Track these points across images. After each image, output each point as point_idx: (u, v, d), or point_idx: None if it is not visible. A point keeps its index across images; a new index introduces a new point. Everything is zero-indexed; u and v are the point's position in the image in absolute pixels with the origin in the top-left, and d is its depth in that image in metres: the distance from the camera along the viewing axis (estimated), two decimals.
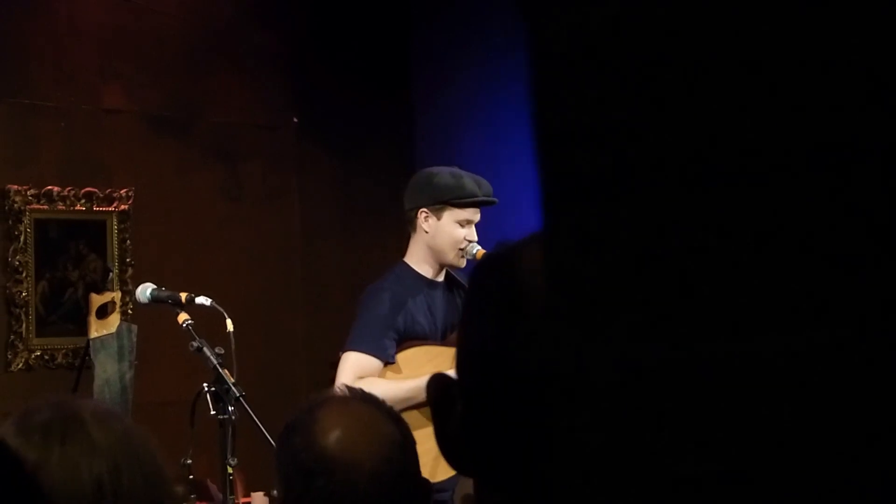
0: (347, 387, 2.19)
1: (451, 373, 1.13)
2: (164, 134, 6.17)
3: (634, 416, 0.46)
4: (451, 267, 4.62)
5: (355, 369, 4.38)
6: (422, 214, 4.56)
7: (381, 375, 4.42)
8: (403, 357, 4.45)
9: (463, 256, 4.57)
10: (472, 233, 4.57)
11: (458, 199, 4.53)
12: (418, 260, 4.60)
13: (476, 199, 4.56)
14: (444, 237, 4.54)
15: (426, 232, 4.57)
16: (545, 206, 0.50)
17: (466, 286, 4.52)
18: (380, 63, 6.82)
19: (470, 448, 1.05)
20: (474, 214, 4.59)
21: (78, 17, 5.94)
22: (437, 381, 1.11)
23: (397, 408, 2.29)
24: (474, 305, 1.08)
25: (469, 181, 4.59)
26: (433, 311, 4.55)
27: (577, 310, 0.48)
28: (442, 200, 4.53)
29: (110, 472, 1.51)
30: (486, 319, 1.04)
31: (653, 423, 0.46)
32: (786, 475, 0.46)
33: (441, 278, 4.62)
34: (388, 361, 4.42)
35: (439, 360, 4.36)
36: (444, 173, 4.64)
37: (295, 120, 6.56)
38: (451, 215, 4.53)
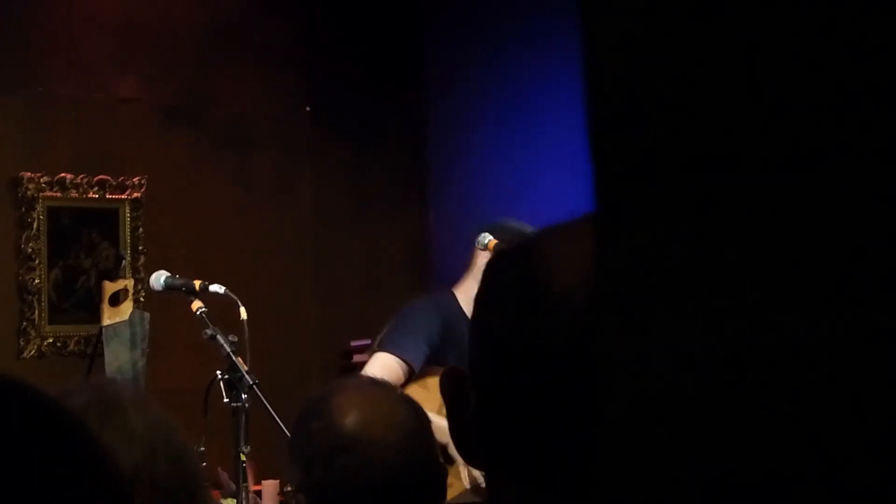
0: (361, 374, 2.19)
1: None
2: (177, 123, 6.17)
3: (698, 405, 0.46)
4: None
5: (382, 370, 4.32)
6: (490, 248, 4.50)
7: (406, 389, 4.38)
8: (431, 381, 4.38)
9: None
10: None
11: None
12: (466, 296, 4.55)
13: None
14: None
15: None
16: (601, 188, 0.50)
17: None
18: (393, 53, 6.82)
19: (485, 440, 1.05)
20: None
21: (92, 7, 5.94)
22: (451, 374, 1.11)
23: None
24: (491, 298, 1.07)
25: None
26: (463, 346, 4.49)
27: (639, 294, 0.47)
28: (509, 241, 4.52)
29: (146, 459, 1.49)
30: (505, 312, 1.03)
31: (719, 412, 0.46)
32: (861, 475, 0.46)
33: None
34: (414, 367, 4.36)
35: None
36: (515, 223, 4.58)
37: (307, 109, 6.55)
38: None
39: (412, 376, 4.39)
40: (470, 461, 1.11)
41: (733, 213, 0.47)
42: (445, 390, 1.10)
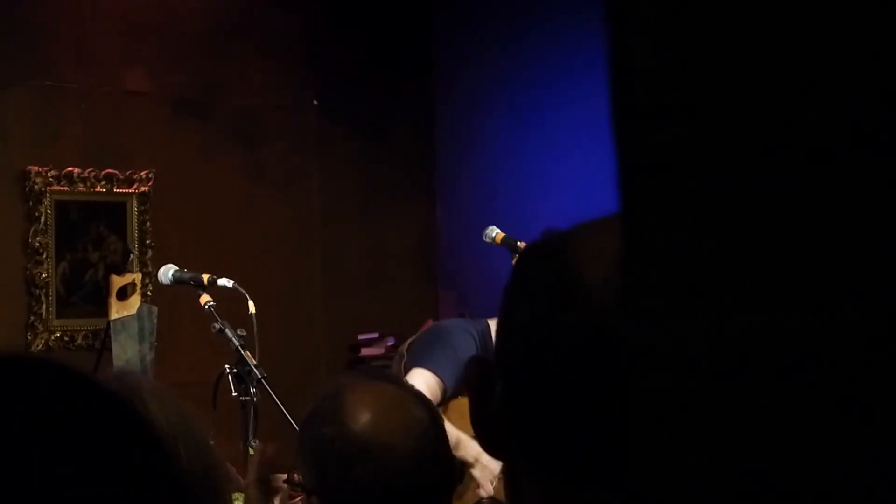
0: (369, 368, 2.16)
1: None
2: (185, 116, 6.17)
3: (736, 395, 0.45)
4: None
5: (423, 386, 4.13)
6: None
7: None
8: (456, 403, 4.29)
9: None
10: None
11: None
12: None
13: None
14: None
15: None
16: (627, 181, 0.49)
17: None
18: (401, 45, 6.81)
19: (508, 432, 1.05)
20: None
21: (100, 0, 5.94)
22: (477, 363, 1.11)
23: None
24: (520, 290, 1.07)
25: None
26: None
27: (669, 286, 0.47)
28: None
29: (171, 449, 1.48)
30: (533, 304, 1.03)
31: (749, 411, 0.45)
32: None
33: None
34: (448, 388, 4.23)
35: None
36: None
37: (315, 103, 6.55)
38: None
39: (444, 397, 4.25)
40: (492, 451, 1.11)
41: (759, 209, 0.47)
42: (470, 380, 1.10)
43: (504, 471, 1.14)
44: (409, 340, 4.53)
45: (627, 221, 0.49)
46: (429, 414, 2.05)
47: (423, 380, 4.15)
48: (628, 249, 0.48)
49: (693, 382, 0.46)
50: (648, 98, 0.47)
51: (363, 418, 2.00)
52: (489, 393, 1.07)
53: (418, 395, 2.12)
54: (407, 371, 4.27)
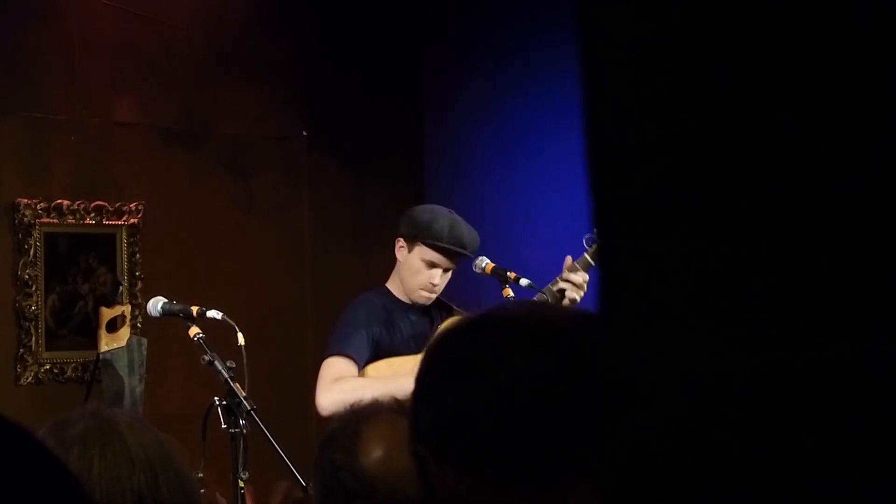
0: (396, 401, 2.12)
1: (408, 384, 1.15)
2: (175, 146, 6.17)
3: (702, 425, 0.45)
4: (414, 303, 4.60)
5: (332, 372, 4.43)
6: (398, 243, 4.64)
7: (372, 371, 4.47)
8: (372, 367, 4.48)
9: (428, 296, 4.57)
10: (436, 276, 4.53)
11: (428, 240, 4.51)
12: (395, 285, 4.64)
13: (444, 244, 4.51)
14: (409, 271, 4.58)
15: (399, 260, 4.63)
16: (603, 217, 0.48)
17: (447, 307, 4.47)
18: (390, 75, 6.82)
19: None
20: (444, 261, 4.54)
21: (89, 30, 5.95)
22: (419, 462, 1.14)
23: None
24: (431, 376, 1.09)
25: (448, 227, 4.55)
26: (403, 329, 4.57)
27: (642, 322, 0.46)
28: (413, 235, 4.54)
29: (149, 484, 1.48)
30: (441, 390, 1.06)
31: (722, 430, 0.45)
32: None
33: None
34: (362, 362, 4.46)
35: (401, 369, 4.36)
36: (430, 211, 4.68)
37: (304, 133, 6.55)
38: (419, 252, 4.56)
39: (362, 367, 4.48)
40: None
41: (731, 238, 0.46)
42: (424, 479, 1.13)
43: None
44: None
45: (602, 256, 0.49)
46: None
47: (327, 369, 4.40)
48: (603, 284, 0.48)
49: (667, 419, 0.46)
50: (620, 136, 0.47)
51: (375, 454, 1.98)
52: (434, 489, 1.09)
53: None
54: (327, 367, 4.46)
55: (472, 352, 1.10)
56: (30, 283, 5.72)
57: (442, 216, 4.59)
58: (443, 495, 1.10)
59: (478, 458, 1.08)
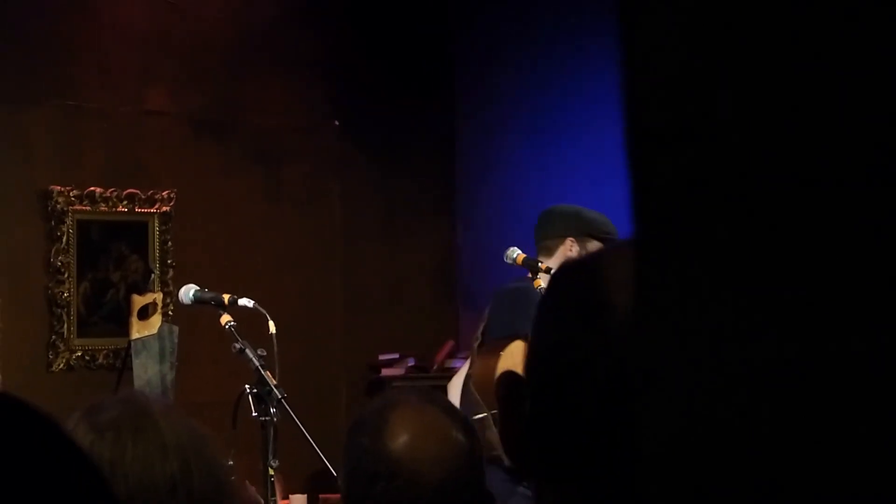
0: (426, 389, 2.12)
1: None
2: (206, 136, 6.19)
3: (732, 418, 0.45)
4: None
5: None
6: (569, 241, 4.73)
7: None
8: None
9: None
10: None
11: (604, 234, 4.67)
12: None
13: (613, 235, 4.69)
14: None
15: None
16: (639, 204, 0.49)
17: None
18: (421, 65, 6.82)
19: (535, 448, 1.05)
20: None
21: (121, 20, 5.97)
22: (507, 379, 1.11)
23: None
24: (551, 311, 1.08)
25: (604, 220, 4.74)
26: None
27: (674, 311, 0.47)
28: (589, 233, 4.67)
29: (182, 471, 1.48)
30: (563, 325, 1.04)
31: (753, 423, 0.45)
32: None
33: None
34: None
35: None
36: (588, 209, 4.85)
37: (336, 123, 6.56)
38: (593, 247, 4.66)
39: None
40: (518, 465, 1.13)
41: (773, 233, 0.47)
42: (500, 395, 1.11)
43: (532, 489, 1.15)
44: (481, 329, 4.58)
45: (639, 244, 0.49)
46: (469, 444, 2.03)
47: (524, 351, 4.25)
48: (639, 273, 0.48)
49: (699, 407, 0.46)
50: (661, 121, 0.47)
51: (400, 438, 1.99)
52: (518, 409, 1.08)
53: (464, 424, 2.09)
54: (494, 348, 4.34)
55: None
56: (62, 270, 5.75)
57: (592, 211, 4.74)
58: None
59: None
